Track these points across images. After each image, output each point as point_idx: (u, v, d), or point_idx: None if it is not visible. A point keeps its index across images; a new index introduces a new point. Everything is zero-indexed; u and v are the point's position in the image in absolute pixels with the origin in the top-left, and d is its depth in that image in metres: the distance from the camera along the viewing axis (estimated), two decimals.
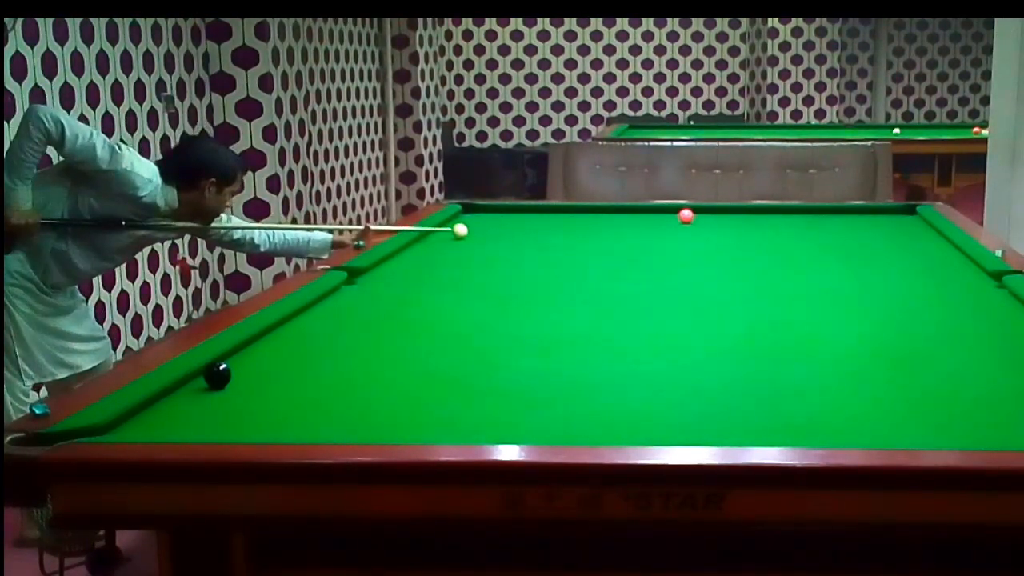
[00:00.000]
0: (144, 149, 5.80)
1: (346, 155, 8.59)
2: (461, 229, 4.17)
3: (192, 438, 1.97)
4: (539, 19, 11.61)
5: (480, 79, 11.78)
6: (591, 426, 2.05)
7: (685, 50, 11.94)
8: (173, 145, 6.29)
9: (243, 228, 4.17)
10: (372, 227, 4.22)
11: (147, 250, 5.83)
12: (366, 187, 9.08)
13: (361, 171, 8.96)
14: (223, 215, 3.97)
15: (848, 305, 3.08)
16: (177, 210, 3.77)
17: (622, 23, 11.75)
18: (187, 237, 6.00)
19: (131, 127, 5.82)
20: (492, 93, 11.82)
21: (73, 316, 3.83)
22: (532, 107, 11.87)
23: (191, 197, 3.75)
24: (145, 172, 3.66)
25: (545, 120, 11.90)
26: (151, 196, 3.67)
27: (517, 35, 11.70)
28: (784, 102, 11.57)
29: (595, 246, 4.12)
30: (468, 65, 11.73)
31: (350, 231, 4.31)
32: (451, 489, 1.80)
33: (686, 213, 4.51)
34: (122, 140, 3.74)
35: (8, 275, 3.60)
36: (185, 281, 6.40)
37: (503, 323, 2.90)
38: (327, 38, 8.12)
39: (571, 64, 11.82)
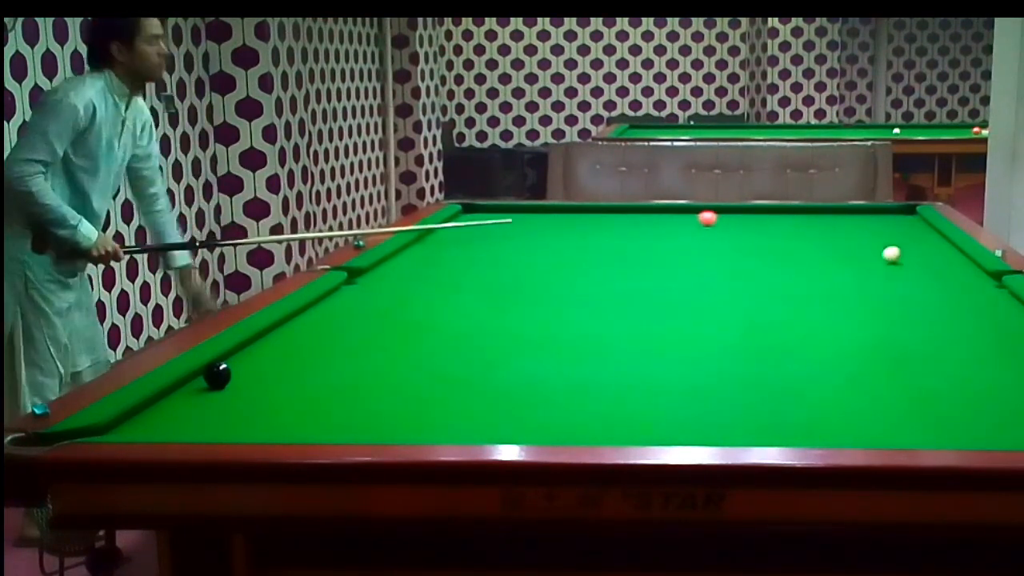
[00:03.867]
0: None
1: (346, 155, 8.59)
2: (892, 252, 3.51)
3: (192, 438, 1.97)
4: (539, 19, 11.60)
5: (480, 79, 11.78)
6: (591, 426, 2.05)
7: (685, 50, 11.94)
8: (173, 145, 6.30)
9: (266, 240, 4.17)
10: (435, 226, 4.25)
11: None
12: (366, 187, 9.08)
13: (361, 171, 8.96)
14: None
15: (848, 305, 3.07)
16: (127, 89, 3.75)
17: (622, 23, 11.75)
18: (186, 236, 6.00)
19: None
20: (492, 93, 11.82)
21: (87, 309, 3.96)
22: (532, 107, 11.87)
23: (119, 70, 3.72)
24: (88, 89, 3.65)
25: (545, 120, 11.90)
26: (107, 105, 3.67)
27: (517, 35, 11.70)
28: (784, 102, 11.57)
29: (595, 246, 4.12)
30: (468, 65, 11.73)
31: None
32: (451, 489, 1.80)
33: (707, 216, 4.40)
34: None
35: (39, 282, 3.68)
36: None
37: (503, 323, 2.90)
38: (327, 38, 8.12)
39: (571, 64, 11.81)
